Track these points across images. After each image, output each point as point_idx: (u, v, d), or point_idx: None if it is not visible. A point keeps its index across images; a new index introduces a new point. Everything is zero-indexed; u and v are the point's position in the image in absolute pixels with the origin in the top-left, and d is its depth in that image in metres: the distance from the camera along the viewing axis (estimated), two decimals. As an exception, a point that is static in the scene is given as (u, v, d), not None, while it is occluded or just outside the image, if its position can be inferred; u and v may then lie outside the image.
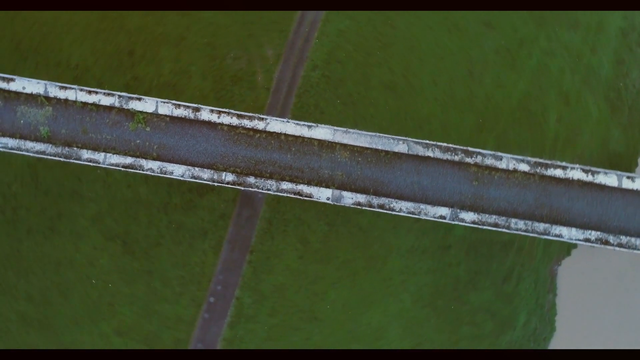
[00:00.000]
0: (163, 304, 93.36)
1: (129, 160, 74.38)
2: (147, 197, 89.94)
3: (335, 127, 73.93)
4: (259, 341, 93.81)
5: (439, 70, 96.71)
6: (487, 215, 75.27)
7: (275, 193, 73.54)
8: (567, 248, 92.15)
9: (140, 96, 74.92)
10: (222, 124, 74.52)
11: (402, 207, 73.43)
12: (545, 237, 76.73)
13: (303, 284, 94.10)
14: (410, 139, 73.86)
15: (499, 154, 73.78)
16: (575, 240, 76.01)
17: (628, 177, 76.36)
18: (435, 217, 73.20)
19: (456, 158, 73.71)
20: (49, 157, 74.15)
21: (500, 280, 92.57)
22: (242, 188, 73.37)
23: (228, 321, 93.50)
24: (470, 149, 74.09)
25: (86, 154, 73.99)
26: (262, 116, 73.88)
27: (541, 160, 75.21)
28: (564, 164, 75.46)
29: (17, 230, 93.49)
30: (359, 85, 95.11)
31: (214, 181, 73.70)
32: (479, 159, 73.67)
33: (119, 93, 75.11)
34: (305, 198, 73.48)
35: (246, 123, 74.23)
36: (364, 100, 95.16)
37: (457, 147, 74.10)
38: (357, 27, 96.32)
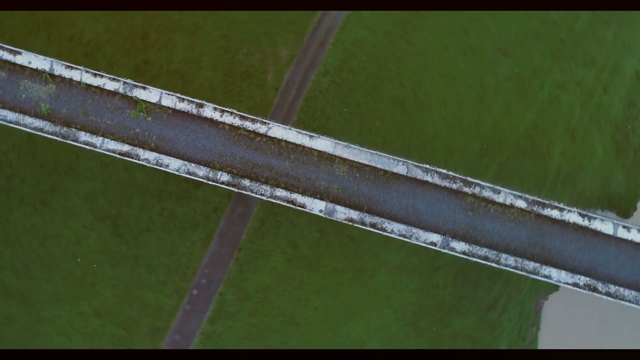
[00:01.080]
0: (145, 291, 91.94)
1: (126, 147, 72.53)
2: (143, 182, 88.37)
3: (337, 141, 72.12)
4: (236, 339, 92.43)
5: (449, 91, 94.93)
6: (478, 248, 73.41)
7: (269, 199, 71.85)
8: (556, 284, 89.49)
9: (145, 85, 73.40)
10: (223, 123, 72.73)
11: (395, 228, 71.54)
12: (534, 276, 75.30)
13: (288, 287, 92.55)
14: (410, 161, 71.95)
15: (498, 187, 71.80)
16: (564, 283, 74.58)
17: (624, 227, 74.90)
18: (426, 243, 71.39)
19: (454, 186, 71.84)
20: (47, 135, 72.18)
21: (484, 308, 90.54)
22: (236, 190, 71.08)
23: (208, 316, 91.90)
24: (469, 179, 72.18)
25: (84, 136, 72.12)
26: (264, 120, 72.17)
27: (539, 199, 73.55)
28: (561, 205, 73.87)
29: (9, 199, 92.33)
30: (368, 96, 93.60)
31: (208, 179, 71.87)
32: (476, 190, 71.90)
33: (124, 79, 73.28)
34: (298, 208, 71.29)
35: (248, 125, 72.44)
36: (371, 112, 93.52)
37: (457, 175, 72.52)
38: (374, 38, 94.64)
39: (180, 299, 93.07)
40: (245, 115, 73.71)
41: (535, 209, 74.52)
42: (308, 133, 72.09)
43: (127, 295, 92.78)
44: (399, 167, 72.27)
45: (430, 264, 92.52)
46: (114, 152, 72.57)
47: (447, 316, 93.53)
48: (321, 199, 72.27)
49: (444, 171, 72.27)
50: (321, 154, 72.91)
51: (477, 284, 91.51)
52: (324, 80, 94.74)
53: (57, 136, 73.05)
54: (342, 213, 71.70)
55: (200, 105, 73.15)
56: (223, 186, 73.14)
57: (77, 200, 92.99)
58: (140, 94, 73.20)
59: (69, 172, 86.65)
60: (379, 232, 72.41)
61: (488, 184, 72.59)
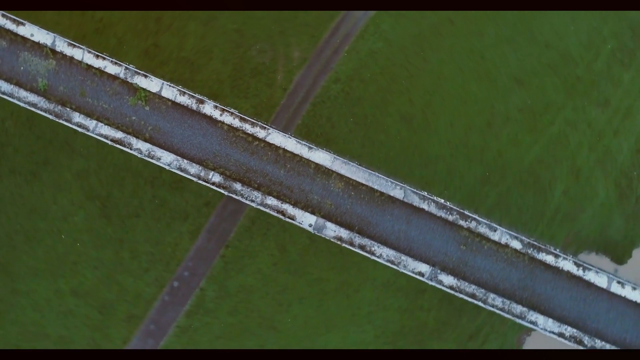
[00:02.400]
0: (126, 276, 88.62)
1: (119, 135, 68.22)
2: (138, 167, 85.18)
3: (336, 155, 67.98)
4: (212, 337, 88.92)
5: (458, 114, 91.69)
6: (466, 284, 69.61)
7: (258, 206, 67.77)
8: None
9: (147, 73, 68.47)
10: (222, 123, 68.46)
11: (384, 253, 67.23)
12: (520, 321, 71.44)
13: (270, 291, 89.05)
14: (408, 186, 68.26)
15: (494, 225, 67.67)
16: (549, 332, 71.19)
17: (619, 282, 71.60)
18: (413, 272, 67.23)
19: (450, 217, 67.42)
20: (39, 111, 68.17)
21: (466, 337, 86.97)
22: (226, 193, 66.13)
23: (186, 309, 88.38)
24: (466, 212, 68.26)
25: (78, 117, 67.96)
26: (265, 125, 68.24)
27: (535, 242, 68.83)
28: (557, 251, 69.07)
29: (0, 167, 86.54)
30: (375, 108, 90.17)
31: (199, 178, 67.48)
32: (472, 225, 67.42)
33: (126, 64, 69.62)
34: (288, 219, 66.32)
35: (247, 128, 68.17)
36: (377, 124, 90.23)
37: (454, 207, 68.38)
38: (389, 51, 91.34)
39: (160, 289, 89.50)
40: (246, 117, 70.06)
41: (530, 251, 70.21)
42: (307, 144, 67.62)
43: (107, 278, 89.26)
44: (396, 190, 67.62)
45: (417, 285, 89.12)
46: (106, 138, 68.22)
47: (427, 339, 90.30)
48: (312, 212, 67.71)
49: (442, 201, 67.62)
50: (318, 167, 68.53)
51: (462, 311, 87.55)
52: (333, 87, 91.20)
53: (50, 114, 68.77)
54: (331, 230, 67.03)
55: (201, 101, 68.72)
56: (213, 187, 68.05)
57: (69, 176, 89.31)
58: (141, 81, 68.80)
59: (64, 147, 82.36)
60: (367, 254, 66.97)
61: (485, 220, 67.98)
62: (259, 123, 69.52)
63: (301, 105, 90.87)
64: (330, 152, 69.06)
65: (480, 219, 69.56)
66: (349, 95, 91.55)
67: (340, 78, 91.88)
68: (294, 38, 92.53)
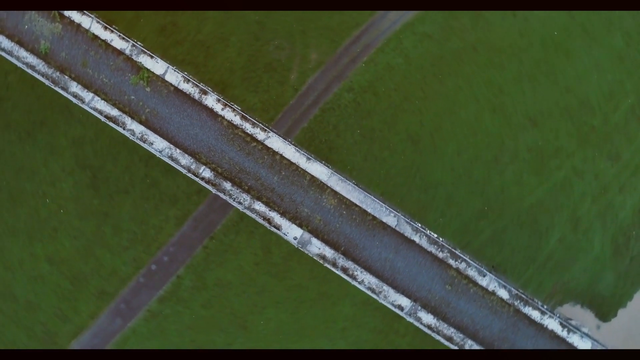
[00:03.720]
0: (105, 251, 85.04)
1: (114, 112, 63.44)
2: (135, 143, 78.89)
3: (334, 171, 62.20)
4: (181, 327, 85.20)
5: (467, 143, 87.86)
6: (446, 326, 65.86)
7: (245, 210, 62.83)
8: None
9: (154, 54, 62.57)
10: (223, 118, 63.76)
11: (366, 279, 62.61)
12: (494, 374, 63.91)
13: (248, 290, 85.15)
14: (402, 215, 62.72)
15: (484, 270, 63.12)
16: None
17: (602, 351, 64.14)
18: (393, 305, 62.63)
19: (440, 255, 62.60)
20: (36, 75, 62.83)
21: (436, 367, 79.85)
22: (214, 191, 60.57)
23: (160, 295, 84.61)
24: (458, 252, 63.03)
25: (75, 87, 63.27)
26: (265, 127, 63.05)
27: (523, 294, 63.87)
28: (544, 308, 64.54)
29: None
30: (384, 124, 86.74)
31: (189, 171, 62.60)
32: (462, 266, 62.82)
33: (134, 41, 65.24)
34: (273, 228, 60.90)
35: (247, 127, 63.40)
36: (383, 140, 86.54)
37: (445, 244, 63.09)
38: (407, 69, 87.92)
39: (137, 270, 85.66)
40: (247, 116, 65.67)
41: (516, 303, 66.36)
42: (306, 154, 62.80)
43: (85, 250, 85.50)
44: (390, 217, 62.56)
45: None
46: (101, 113, 63.39)
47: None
48: (300, 225, 62.96)
49: (434, 236, 62.46)
50: (313, 179, 63.77)
51: (437, 342, 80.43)
52: (345, 96, 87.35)
53: (47, 79, 64.39)
54: (316, 247, 62.25)
55: (204, 92, 64.02)
56: (202, 182, 62.42)
57: (64, 141, 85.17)
58: (147, 61, 63.99)
59: (64, 111, 78.33)
60: (348, 278, 61.72)
61: (475, 264, 62.47)
62: (260, 124, 64.91)
63: (310, 108, 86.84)
64: (328, 167, 64.38)
65: (470, 262, 64.88)
66: (359, 106, 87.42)
67: (353, 88, 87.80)
68: (314, 40, 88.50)
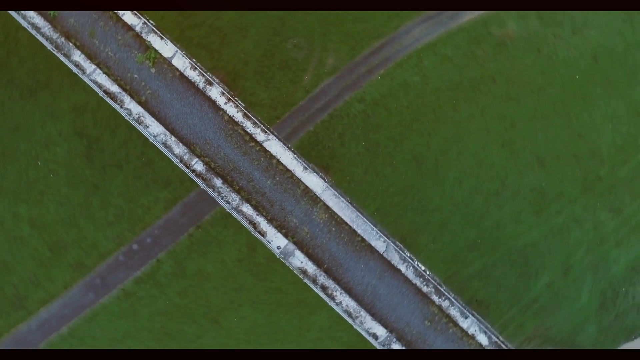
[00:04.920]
0: (89, 223, 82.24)
1: (114, 88, 59.52)
2: (137, 119, 73.49)
3: (329, 185, 59.34)
4: (153, 311, 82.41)
5: (470, 173, 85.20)
6: None
7: (231, 210, 58.83)
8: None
9: (164, 36, 58.73)
10: (225, 112, 60.15)
11: (344, 302, 58.52)
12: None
13: (226, 285, 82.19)
14: (392, 242, 57.79)
15: (467, 312, 60.04)
16: None
17: None
18: (368, 332, 59.03)
19: (424, 289, 58.79)
20: (40, 37, 59.25)
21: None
22: (203, 185, 56.71)
23: (137, 275, 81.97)
24: (443, 289, 59.20)
25: (78, 56, 59.82)
26: (266, 128, 58.47)
27: (502, 342, 58.61)
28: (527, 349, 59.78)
29: (0, 74, 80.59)
30: (391, 140, 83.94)
31: (181, 161, 58.92)
32: (445, 304, 59.36)
33: (145, 19, 60.87)
34: (257, 234, 56.84)
35: (248, 126, 59.63)
36: (387, 157, 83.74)
37: (431, 279, 59.36)
38: (423, 88, 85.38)
39: (118, 247, 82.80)
40: (250, 115, 61.49)
41: (494, 349, 59.71)
42: (304, 163, 59.26)
43: (70, 219, 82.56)
44: (379, 242, 58.72)
45: (373, 328, 77.08)
46: (100, 87, 59.46)
47: (363, 383, 78.40)
48: (285, 235, 59.10)
49: (422, 269, 58.61)
50: (307, 190, 60.09)
51: (407, 368, 77.31)
52: (356, 106, 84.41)
53: (51, 43, 61.36)
54: (298, 260, 58.48)
55: (210, 83, 60.32)
56: (192, 175, 58.42)
57: (65, 106, 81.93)
58: (156, 41, 60.42)
59: (69, 76, 75.58)
60: (326, 298, 57.53)
61: (459, 304, 58.18)
62: (261, 125, 60.54)
63: (318, 112, 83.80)
64: (324, 180, 60.37)
65: (454, 301, 62.07)
66: (369, 118, 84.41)
67: (365, 99, 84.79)
68: (333, 44, 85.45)
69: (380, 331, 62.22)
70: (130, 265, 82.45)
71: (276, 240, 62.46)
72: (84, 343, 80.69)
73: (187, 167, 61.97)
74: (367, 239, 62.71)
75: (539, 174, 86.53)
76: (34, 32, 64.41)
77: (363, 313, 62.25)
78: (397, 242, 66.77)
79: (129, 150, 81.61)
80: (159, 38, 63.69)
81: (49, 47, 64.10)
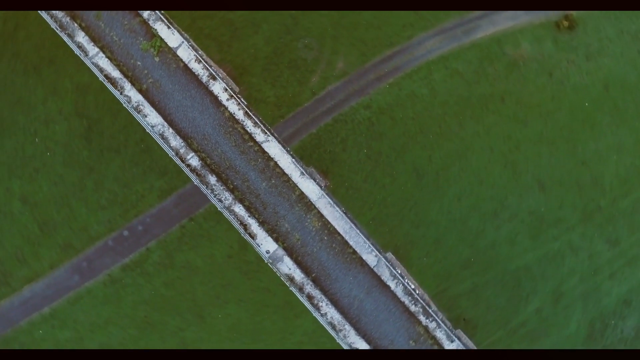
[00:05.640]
0: (81, 205, 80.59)
1: (115, 74, 57.62)
2: (138, 106, 71.40)
3: (325, 193, 57.33)
4: (138, 299, 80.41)
5: (470, 191, 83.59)
6: None
7: (223, 209, 56.86)
8: None
9: (172, 25, 55.85)
10: (226, 109, 58.45)
11: (329, 313, 56.38)
12: None
13: (214, 280, 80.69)
14: (384, 257, 55.10)
15: (453, 335, 57.14)
16: None
17: None
18: (350, 346, 57.13)
19: (412, 308, 56.85)
20: (45, 14, 58.02)
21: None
22: (197, 182, 54.71)
23: (125, 262, 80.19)
24: (431, 309, 56.29)
25: (81, 37, 57.91)
26: (267, 129, 55.91)
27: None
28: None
29: (5, 48, 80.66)
30: (393, 151, 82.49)
31: (177, 154, 57.47)
32: (432, 325, 57.38)
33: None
34: (247, 236, 54.95)
35: (248, 125, 57.92)
36: (388, 166, 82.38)
37: (421, 299, 57.17)
38: (430, 101, 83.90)
39: (109, 232, 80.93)
40: (251, 114, 59.31)
41: None
42: (301, 168, 56.77)
43: (62, 199, 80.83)
44: (370, 256, 56.74)
45: (357, 337, 75.27)
46: (101, 71, 57.53)
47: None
48: (276, 240, 57.25)
49: (412, 287, 56.17)
50: (302, 196, 58.52)
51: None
52: (362, 113, 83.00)
53: (55, 22, 60.08)
54: (287, 267, 56.43)
55: (213, 77, 58.44)
56: (186, 170, 56.44)
57: (69, 84, 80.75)
58: (162, 30, 58.82)
59: (75, 55, 71.48)
60: (310, 307, 55.64)
61: (446, 327, 55.56)
62: (262, 125, 57.68)
63: (323, 115, 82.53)
64: (320, 187, 57.58)
65: (441, 323, 59.45)
66: (373, 126, 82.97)
67: (372, 106, 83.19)
68: (344, 48, 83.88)
69: (363, 346, 59.92)
70: (119, 251, 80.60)
71: (266, 244, 60.07)
72: (65, 325, 79.18)
73: (182, 161, 59.65)
74: (358, 251, 60.42)
75: (539, 198, 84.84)
76: (38, 10, 61.81)
77: (347, 327, 59.93)
78: (390, 254, 64.18)
79: (129, 135, 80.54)
80: (166, 27, 61.60)
81: (53, 25, 61.84)
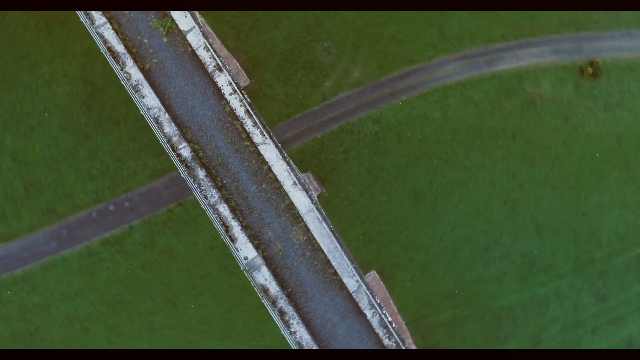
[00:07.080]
0: (70, 171, 77.53)
1: (119, 48, 55.09)
2: (146, 81, 67.67)
3: (315, 207, 53.45)
4: (112, 276, 77.50)
5: (465, 222, 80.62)
6: None
7: (206, 207, 52.83)
8: None
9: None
10: (227, 103, 55.86)
11: (299, 332, 53.60)
12: None
13: (192, 269, 77.67)
14: (365, 284, 50.66)
15: None
16: None
17: None
18: None
19: (386, 341, 53.50)
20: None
21: None
22: (184, 174, 51.46)
23: (106, 237, 77.09)
24: (407, 343, 51.47)
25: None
26: (266, 131, 52.75)
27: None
28: None
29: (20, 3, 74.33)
30: (395, 169, 79.67)
31: (169, 141, 54.97)
32: None
33: None
34: (226, 238, 51.58)
35: (248, 124, 55.44)
36: (386, 184, 79.47)
37: (395, 334, 55.51)
38: (441, 126, 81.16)
39: (94, 203, 77.66)
40: (252, 113, 57.69)
41: None
42: (295, 177, 52.09)
43: (53, 162, 77.59)
44: (351, 280, 53.54)
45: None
46: (104, 43, 54.31)
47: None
48: (257, 247, 54.24)
49: (389, 320, 51.66)
50: (291, 207, 54.44)
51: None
52: (369, 126, 79.94)
53: None
54: (262, 277, 53.27)
55: (220, 69, 55.55)
56: (175, 160, 52.72)
57: (79, 48, 77.50)
58: (175, 12, 51.66)
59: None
60: (281, 324, 51.92)
61: (420, 363, 52.11)
62: (262, 126, 54.56)
63: (330, 122, 79.45)
64: (311, 200, 53.38)
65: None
66: (379, 141, 79.93)
67: (380, 121, 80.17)
68: (363, 58, 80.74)
69: (328, 372, 55.83)
70: (102, 224, 77.44)
71: (245, 250, 56.48)
72: (34, 290, 76.54)
73: (173, 150, 56.05)
74: (340, 273, 56.84)
75: (533, 241, 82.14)
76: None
77: (315, 349, 55.66)
78: (375, 272, 61.84)
79: (130, 109, 77.09)
80: (179, 10, 57.26)
81: (63, -9, 57.99)
